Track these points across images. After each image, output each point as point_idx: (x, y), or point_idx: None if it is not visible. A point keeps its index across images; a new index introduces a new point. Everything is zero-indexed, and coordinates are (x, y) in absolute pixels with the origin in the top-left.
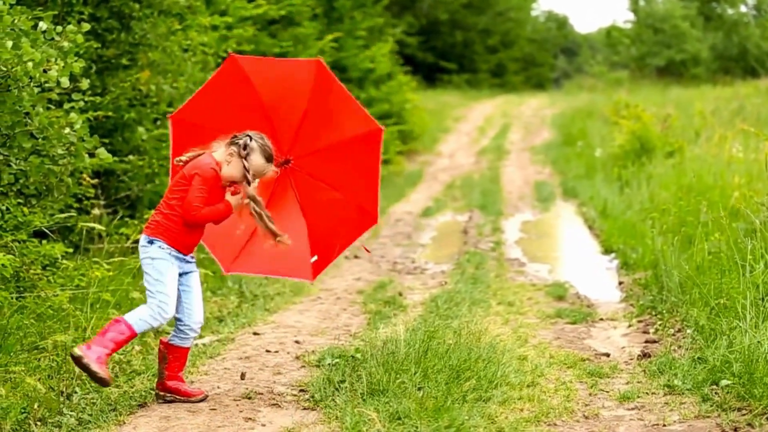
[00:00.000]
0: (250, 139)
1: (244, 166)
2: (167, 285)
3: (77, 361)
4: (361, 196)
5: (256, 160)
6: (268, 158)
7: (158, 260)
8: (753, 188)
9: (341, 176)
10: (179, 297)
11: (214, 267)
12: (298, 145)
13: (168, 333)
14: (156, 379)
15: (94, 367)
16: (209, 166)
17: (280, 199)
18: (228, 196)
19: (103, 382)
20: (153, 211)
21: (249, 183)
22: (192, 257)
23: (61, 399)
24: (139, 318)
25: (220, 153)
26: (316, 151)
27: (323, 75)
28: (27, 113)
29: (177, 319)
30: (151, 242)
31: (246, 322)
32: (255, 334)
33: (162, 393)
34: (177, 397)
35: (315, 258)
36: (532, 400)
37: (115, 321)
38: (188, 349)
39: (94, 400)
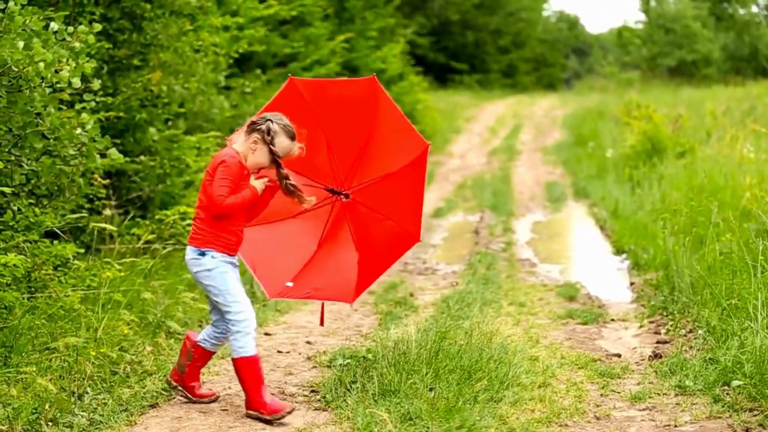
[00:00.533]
0: (272, 122)
1: (271, 150)
2: (234, 291)
3: (271, 422)
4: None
5: (282, 141)
6: (292, 137)
7: (215, 270)
8: (764, 189)
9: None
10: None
11: None
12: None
13: (197, 328)
14: (172, 369)
15: (278, 417)
16: (230, 155)
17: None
18: (252, 181)
19: (289, 411)
20: (192, 221)
21: (280, 165)
22: (237, 260)
23: (73, 399)
24: (239, 347)
25: (240, 144)
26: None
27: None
28: (38, 114)
29: (216, 325)
30: (202, 254)
31: (257, 322)
32: (266, 334)
33: (175, 384)
34: (189, 396)
35: (291, 284)
36: (543, 400)
37: (236, 362)
38: (215, 352)
39: (106, 401)
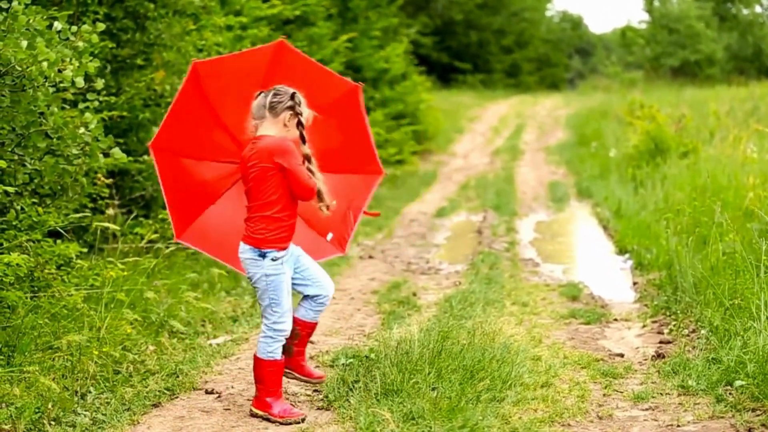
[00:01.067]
0: (296, 92)
1: (299, 122)
2: (282, 301)
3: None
4: (354, 160)
5: (305, 110)
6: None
7: (272, 277)
8: (767, 189)
9: (324, 153)
10: (308, 275)
11: (227, 267)
12: None
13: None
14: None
15: (288, 422)
16: (284, 139)
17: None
18: None
19: (299, 420)
20: (246, 222)
21: (305, 141)
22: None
23: (76, 399)
24: (268, 351)
25: (271, 128)
26: None
27: (282, 55)
28: (42, 113)
29: (312, 296)
30: (263, 255)
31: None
32: None
33: (289, 369)
34: (298, 376)
35: (330, 235)
36: (546, 400)
37: (261, 362)
38: (317, 323)
39: (109, 400)
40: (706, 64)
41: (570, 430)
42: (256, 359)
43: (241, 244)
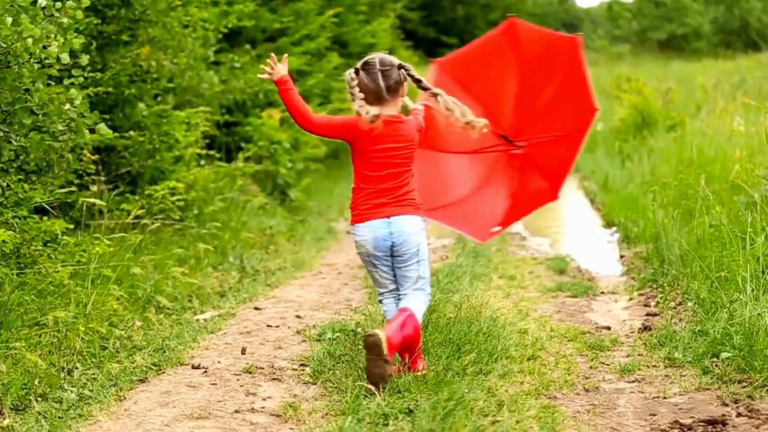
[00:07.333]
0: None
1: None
2: None
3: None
4: (557, 175)
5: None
6: None
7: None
8: (754, 161)
9: (552, 162)
10: None
11: (214, 242)
12: (529, 130)
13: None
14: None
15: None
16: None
17: (495, 174)
18: None
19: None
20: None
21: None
22: None
23: (62, 375)
24: (422, 314)
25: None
26: (547, 140)
27: (578, 58)
28: (27, 90)
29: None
30: (424, 221)
31: (247, 297)
32: (256, 309)
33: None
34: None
35: (498, 228)
36: (532, 373)
37: (417, 329)
38: None
39: (95, 376)
40: (693, 37)
41: (556, 402)
42: (416, 328)
43: (411, 216)
